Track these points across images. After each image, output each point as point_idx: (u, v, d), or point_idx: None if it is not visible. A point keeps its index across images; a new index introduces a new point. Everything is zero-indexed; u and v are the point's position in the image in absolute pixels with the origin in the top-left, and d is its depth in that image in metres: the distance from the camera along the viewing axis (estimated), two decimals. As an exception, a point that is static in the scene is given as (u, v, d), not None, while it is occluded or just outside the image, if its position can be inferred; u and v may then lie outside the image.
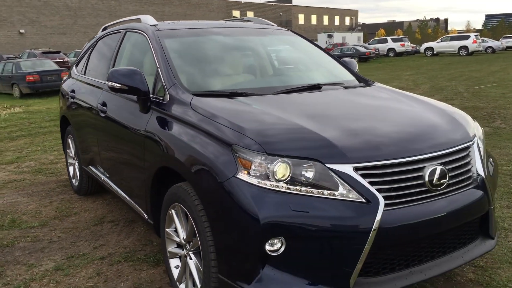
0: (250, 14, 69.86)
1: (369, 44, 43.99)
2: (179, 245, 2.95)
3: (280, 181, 2.30)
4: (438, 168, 2.49)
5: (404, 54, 43.07)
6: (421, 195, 2.45)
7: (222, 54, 3.71)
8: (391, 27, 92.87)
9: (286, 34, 4.33)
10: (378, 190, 2.34)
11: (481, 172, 2.73)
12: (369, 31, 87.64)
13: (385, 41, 44.06)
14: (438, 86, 15.83)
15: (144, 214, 3.41)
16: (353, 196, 2.29)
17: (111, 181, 4.10)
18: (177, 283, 2.95)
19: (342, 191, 2.30)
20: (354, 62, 4.24)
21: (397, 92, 3.53)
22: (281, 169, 2.32)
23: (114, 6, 49.90)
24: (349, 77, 3.88)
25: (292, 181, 2.31)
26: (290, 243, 2.28)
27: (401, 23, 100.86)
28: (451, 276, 3.27)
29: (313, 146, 2.40)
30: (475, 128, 3.00)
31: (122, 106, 3.65)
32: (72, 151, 5.31)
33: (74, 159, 5.30)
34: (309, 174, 2.32)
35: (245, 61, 3.75)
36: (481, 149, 2.92)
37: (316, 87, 3.39)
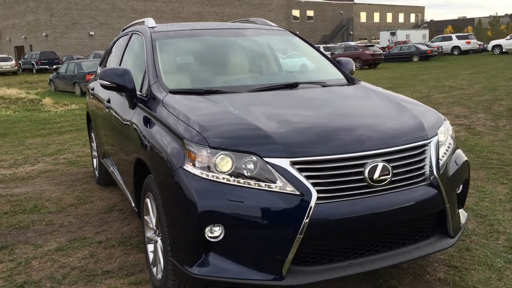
0: (310, 13, 69.57)
1: (432, 42, 42.46)
2: (155, 232, 3.20)
3: (223, 173, 2.48)
4: (380, 165, 2.57)
5: (470, 52, 41.16)
6: (360, 190, 2.54)
7: (207, 54, 3.93)
8: (460, 24, 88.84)
9: (282, 35, 4.47)
10: (314, 184, 2.46)
11: (435, 171, 2.76)
12: (437, 28, 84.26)
13: (450, 38, 42.29)
14: (493, 86, 15.13)
15: (132, 202, 3.71)
16: (289, 189, 2.43)
17: (116, 172, 4.44)
18: (151, 266, 3.20)
19: (279, 184, 2.44)
20: (350, 62, 4.29)
21: (375, 91, 3.58)
22: (223, 161, 2.49)
23: (177, 8, 51.57)
24: (335, 76, 3.96)
25: (235, 173, 2.48)
26: (228, 231, 2.46)
27: (472, 19, 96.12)
28: (420, 274, 3.29)
29: (254, 141, 2.56)
30: (438, 128, 3.01)
31: (119, 103, 3.96)
32: (94, 145, 5.75)
33: (96, 152, 5.74)
34: (250, 167, 2.48)
35: (229, 60, 3.94)
36: (444, 148, 2.95)
37: (293, 86, 3.52)
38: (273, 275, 2.44)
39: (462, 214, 3.19)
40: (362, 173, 2.55)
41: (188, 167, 2.55)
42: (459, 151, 3.21)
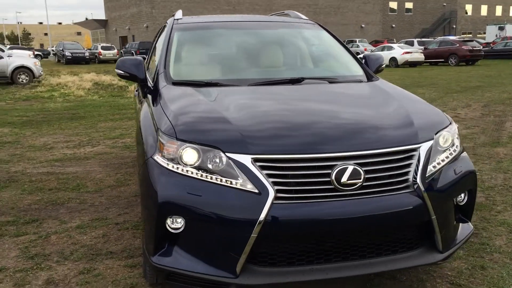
0: (409, 5, 66.43)
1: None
2: None
3: (188, 165, 2.50)
4: (350, 168, 2.43)
5: None
6: (325, 193, 2.43)
7: (221, 46, 3.95)
8: None
9: (309, 28, 4.35)
10: (275, 182, 2.39)
11: (419, 179, 2.55)
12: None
13: None
14: None
15: (141, 189, 3.86)
16: (250, 186, 2.39)
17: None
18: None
19: (239, 180, 2.41)
20: (379, 59, 4.08)
21: (384, 90, 3.37)
22: (189, 154, 2.51)
23: (271, 0, 51.91)
24: (354, 73, 3.80)
25: (200, 167, 2.49)
26: (188, 224, 2.48)
27: None
28: (416, 288, 3.07)
29: (219, 135, 2.55)
30: (438, 132, 2.77)
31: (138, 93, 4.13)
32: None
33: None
34: (214, 162, 2.48)
35: (241, 53, 3.92)
36: (445, 154, 2.73)
37: (298, 81, 3.43)
38: (227, 272, 2.42)
39: (464, 227, 2.92)
40: (329, 175, 2.43)
41: (158, 157, 2.60)
42: (465, 159, 2.93)
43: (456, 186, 2.76)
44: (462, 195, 2.91)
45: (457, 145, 2.92)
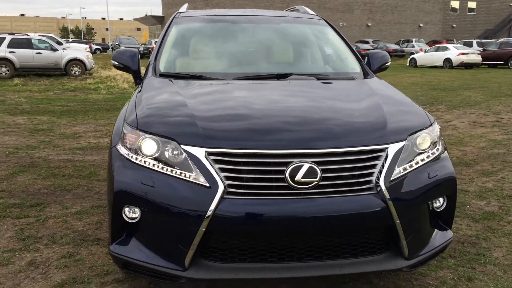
0: (471, 4, 63.48)
1: None
2: None
3: (147, 156, 2.50)
4: (306, 166, 2.35)
5: None
6: (278, 190, 2.36)
7: (216, 40, 3.93)
8: None
9: (313, 24, 4.26)
10: (227, 177, 2.36)
11: (382, 181, 2.43)
12: None
13: None
14: None
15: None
16: (201, 179, 2.37)
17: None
18: None
19: (193, 173, 2.39)
20: (384, 57, 3.92)
21: (371, 88, 3.24)
22: (148, 145, 2.52)
23: (324, -3, 51.40)
24: (350, 70, 3.71)
25: (158, 158, 2.49)
26: (143, 214, 2.49)
27: None
28: (389, 295, 2.94)
29: (177, 127, 2.54)
30: (414, 133, 2.64)
31: None
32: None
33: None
34: (171, 154, 2.47)
35: (234, 47, 3.88)
36: (421, 156, 2.60)
37: (284, 76, 3.37)
38: (176, 265, 2.42)
39: (441, 235, 2.76)
40: (283, 172, 2.36)
41: (120, 147, 2.63)
42: (445, 163, 2.76)
43: (430, 191, 2.61)
44: (441, 200, 2.75)
45: (438, 148, 2.76)
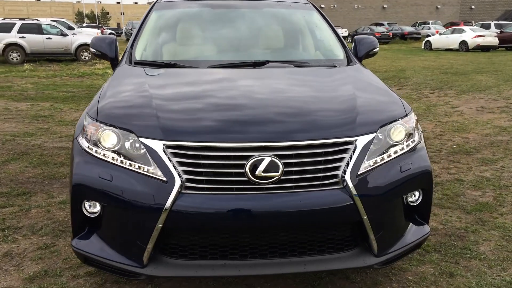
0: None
1: None
2: None
3: (106, 149, 2.42)
4: (267, 160, 2.25)
5: None
6: (238, 185, 2.28)
7: (194, 26, 3.82)
8: None
9: (299, 9, 4.11)
10: (186, 171, 2.28)
11: (348, 176, 2.32)
12: None
13: None
14: None
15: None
16: (159, 173, 2.29)
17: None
18: None
19: (150, 167, 2.31)
20: (372, 43, 3.76)
21: (349, 75, 3.13)
22: (108, 137, 2.44)
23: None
24: (333, 57, 3.58)
25: (117, 151, 2.41)
26: (103, 209, 2.43)
27: None
28: (364, 291, 2.85)
29: (137, 120, 2.46)
30: (386, 124, 2.52)
31: None
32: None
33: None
34: (130, 147, 2.39)
35: (212, 34, 3.76)
36: (395, 148, 2.49)
37: (261, 64, 3.25)
38: (134, 262, 2.36)
39: (417, 230, 2.64)
40: (243, 166, 2.26)
41: (81, 139, 2.56)
42: (420, 154, 2.64)
43: (403, 185, 2.49)
44: (416, 194, 2.63)
45: (413, 139, 2.63)
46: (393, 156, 2.50)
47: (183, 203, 2.24)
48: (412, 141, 2.61)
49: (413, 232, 2.63)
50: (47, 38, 19.45)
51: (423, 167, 2.58)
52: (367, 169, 2.38)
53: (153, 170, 2.30)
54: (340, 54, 3.60)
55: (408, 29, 41.56)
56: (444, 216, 3.92)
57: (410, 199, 2.62)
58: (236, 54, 3.57)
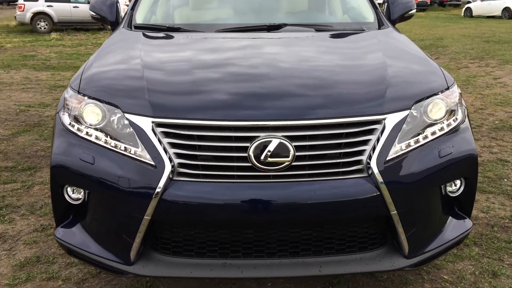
0: None
1: None
2: None
3: (90, 126, 2.07)
4: (275, 142, 1.86)
5: None
6: (241, 172, 1.90)
7: None
8: None
9: None
10: (178, 154, 1.91)
11: (374, 162, 1.91)
12: None
13: None
14: None
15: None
16: (147, 156, 1.93)
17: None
18: None
19: (137, 148, 1.96)
20: (408, 4, 3.25)
21: (381, 41, 2.67)
22: (92, 112, 2.10)
23: None
24: (363, 20, 3.11)
25: (104, 129, 2.06)
26: (87, 195, 2.10)
27: None
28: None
29: (123, 92, 2.11)
30: (424, 99, 2.09)
31: None
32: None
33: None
34: (117, 124, 2.04)
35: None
36: (433, 129, 2.07)
37: (277, 27, 2.82)
38: (121, 258, 2.03)
39: (456, 225, 2.22)
40: (246, 149, 1.88)
41: (63, 114, 2.21)
42: (464, 136, 2.19)
43: (442, 173, 2.06)
44: (457, 183, 2.20)
45: (456, 117, 2.18)
46: (431, 138, 2.06)
47: (174, 192, 1.89)
48: (454, 120, 2.17)
49: (451, 228, 2.20)
50: (74, 7, 19.22)
51: (467, 151, 2.14)
52: (398, 154, 1.96)
53: (141, 153, 1.94)
54: (369, 16, 3.11)
55: (447, -5, 39.54)
56: (485, 203, 3.46)
57: (449, 188, 2.19)
58: (249, 16, 3.13)
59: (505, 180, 3.89)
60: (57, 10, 18.92)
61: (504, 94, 7.08)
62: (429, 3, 36.84)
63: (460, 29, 18.86)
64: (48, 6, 18.80)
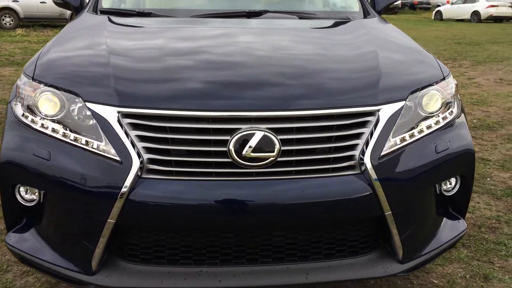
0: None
1: None
2: None
3: (46, 117, 1.82)
4: (259, 135, 1.65)
5: None
6: (218, 169, 1.68)
7: None
8: None
9: None
10: (148, 149, 1.68)
11: (368, 158, 1.72)
12: None
13: None
14: None
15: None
16: (112, 151, 1.69)
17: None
18: None
19: (100, 142, 1.71)
20: None
21: (365, 31, 2.47)
22: (48, 102, 1.84)
23: None
24: (343, 9, 2.95)
25: (63, 120, 1.81)
26: (42, 196, 1.85)
27: None
28: None
29: (84, 78, 1.86)
30: (419, 89, 1.92)
31: None
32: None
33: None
34: (77, 115, 1.79)
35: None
36: (429, 122, 1.90)
37: (258, 14, 2.62)
38: (81, 267, 1.78)
39: (451, 227, 2.06)
40: (225, 143, 1.66)
41: (15, 104, 1.95)
42: (461, 131, 2.03)
43: (438, 170, 1.89)
44: (452, 181, 2.04)
45: (452, 110, 2.02)
46: (426, 132, 1.90)
47: (143, 191, 1.66)
48: (449, 113, 2.00)
49: (447, 229, 2.04)
50: (41, 2, 18.55)
51: (464, 146, 1.98)
52: (392, 149, 1.78)
53: (104, 147, 1.70)
54: (354, 5, 2.94)
55: (418, -2, 40.20)
56: (470, 203, 3.31)
57: (444, 187, 2.02)
58: (228, 2, 2.91)
59: (488, 179, 3.79)
60: (23, 6, 18.23)
61: (479, 94, 7.07)
62: (400, 6, 37.35)
63: (432, 31, 19.11)
64: (13, 1, 18.11)
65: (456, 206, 2.09)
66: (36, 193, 1.85)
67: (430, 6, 38.13)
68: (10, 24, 17.99)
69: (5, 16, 18.04)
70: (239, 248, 1.78)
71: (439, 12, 28.77)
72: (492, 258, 2.66)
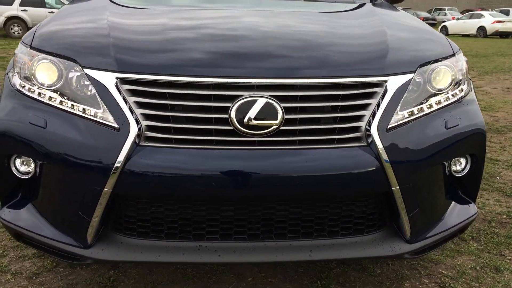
0: (510, -28, 59.90)
1: None
2: None
3: (44, 86, 1.77)
4: (261, 102, 1.59)
5: None
6: (219, 137, 1.62)
7: None
8: None
9: None
10: (147, 116, 1.63)
11: (374, 130, 1.65)
12: None
13: None
14: None
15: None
16: (110, 118, 1.64)
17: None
18: None
19: (98, 109, 1.66)
20: None
21: (373, 11, 2.43)
22: (45, 70, 1.79)
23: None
24: None
25: (62, 89, 1.76)
26: (38, 167, 1.78)
27: None
28: None
29: (82, 44, 1.81)
30: (429, 63, 1.86)
31: None
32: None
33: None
34: (75, 82, 1.74)
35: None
36: (438, 98, 1.83)
37: None
38: (77, 241, 1.72)
39: (461, 210, 1.98)
40: (226, 110, 1.60)
41: (12, 74, 1.90)
42: (471, 108, 1.97)
43: (447, 146, 1.82)
44: (462, 161, 1.96)
45: (462, 88, 1.95)
46: (436, 107, 1.83)
47: (140, 160, 1.60)
48: (459, 90, 1.94)
49: (456, 213, 1.96)
50: (50, 12, 18.73)
51: (475, 124, 1.92)
52: (400, 122, 1.71)
53: (102, 114, 1.65)
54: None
55: (423, 14, 40.28)
56: (480, 199, 3.24)
57: (454, 167, 1.95)
58: None
59: (498, 178, 3.70)
60: (32, 15, 18.40)
61: (487, 101, 7.01)
62: (406, 21, 37.45)
63: (438, 44, 19.06)
64: (22, 10, 18.30)
65: (466, 190, 2.01)
66: (32, 166, 1.80)
67: (435, 22, 38.22)
68: (18, 33, 18.13)
69: (13, 25, 18.21)
70: (240, 222, 1.71)
71: (444, 27, 28.79)
72: (503, 251, 2.57)
